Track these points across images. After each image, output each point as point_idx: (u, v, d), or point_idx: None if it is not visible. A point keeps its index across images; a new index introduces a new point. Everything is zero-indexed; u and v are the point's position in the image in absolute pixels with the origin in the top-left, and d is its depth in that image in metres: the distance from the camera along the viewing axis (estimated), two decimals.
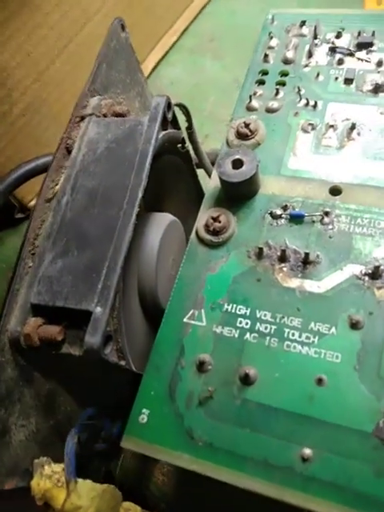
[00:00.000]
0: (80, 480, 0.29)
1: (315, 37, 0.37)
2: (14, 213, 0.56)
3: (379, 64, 0.34)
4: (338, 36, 0.36)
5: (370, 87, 0.33)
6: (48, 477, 0.29)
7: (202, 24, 0.68)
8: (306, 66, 0.35)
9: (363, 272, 0.26)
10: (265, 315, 0.26)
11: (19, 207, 0.56)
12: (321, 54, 0.36)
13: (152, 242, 0.34)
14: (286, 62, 0.36)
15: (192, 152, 0.42)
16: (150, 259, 0.34)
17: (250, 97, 0.34)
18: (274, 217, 0.29)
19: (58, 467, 0.30)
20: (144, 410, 0.25)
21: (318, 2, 0.63)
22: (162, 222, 0.36)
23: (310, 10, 0.39)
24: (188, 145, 0.39)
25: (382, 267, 0.26)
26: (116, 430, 0.33)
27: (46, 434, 0.32)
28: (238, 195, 0.30)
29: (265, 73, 0.36)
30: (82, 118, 0.34)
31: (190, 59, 0.66)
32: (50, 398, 0.32)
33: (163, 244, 0.35)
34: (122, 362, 0.29)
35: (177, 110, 0.36)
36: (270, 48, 0.37)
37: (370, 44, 0.35)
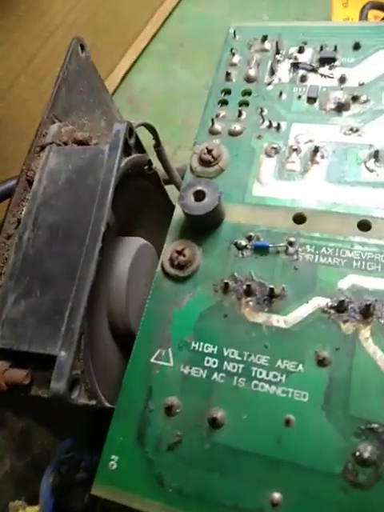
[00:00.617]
0: None
1: (278, 52, 0.36)
2: None
3: (342, 80, 0.33)
4: (301, 50, 0.35)
5: (333, 106, 0.32)
6: None
7: (171, 28, 0.67)
8: (269, 84, 0.34)
9: (329, 305, 0.26)
10: (232, 353, 0.26)
11: None
12: (283, 71, 0.35)
13: (122, 268, 0.34)
14: (249, 80, 0.35)
15: (162, 170, 0.41)
16: (120, 286, 0.34)
17: (212, 120, 0.33)
18: (239, 248, 0.28)
19: (32, 510, 0.29)
20: (113, 457, 0.25)
21: (287, 4, 0.62)
22: (132, 246, 0.35)
23: (273, 22, 0.38)
24: (155, 166, 0.38)
25: (347, 300, 0.25)
26: (96, 458, 0.32)
27: (22, 471, 0.32)
28: (202, 226, 0.29)
29: (227, 92, 0.35)
30: (42, 148, 0.33)
31: (161, 65, 0.65)
32: (24, 435, 0.32)
33: (133, 270, 0.34)
34: (93, 402, 0.28)
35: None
36: (233, 65, 0.36)
37: (333, 59, 0.34)
